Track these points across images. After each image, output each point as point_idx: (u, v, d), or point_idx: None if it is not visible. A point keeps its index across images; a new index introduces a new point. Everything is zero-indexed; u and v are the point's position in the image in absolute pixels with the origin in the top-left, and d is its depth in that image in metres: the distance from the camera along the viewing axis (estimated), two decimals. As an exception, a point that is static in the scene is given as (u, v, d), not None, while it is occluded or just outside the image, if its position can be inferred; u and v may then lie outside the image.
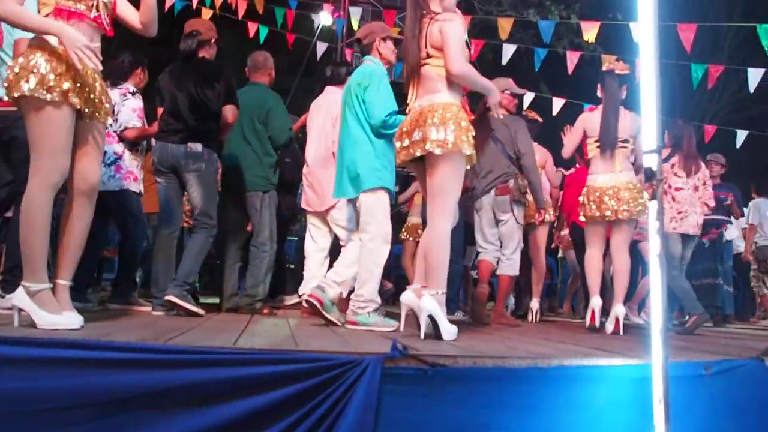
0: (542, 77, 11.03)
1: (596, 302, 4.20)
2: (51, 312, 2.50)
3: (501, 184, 4.68)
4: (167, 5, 8.37)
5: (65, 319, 2.51)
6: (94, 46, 2.60)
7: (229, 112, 4.01)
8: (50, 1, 2.60)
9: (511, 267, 4.72)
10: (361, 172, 3.57)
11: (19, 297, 2.51)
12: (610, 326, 4.07)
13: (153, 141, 4.23)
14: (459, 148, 2.88)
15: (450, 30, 2.94)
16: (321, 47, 9.72)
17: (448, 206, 2.98)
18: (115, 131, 4.43)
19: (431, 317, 2.82)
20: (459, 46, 2.94)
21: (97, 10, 2.67)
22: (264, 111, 4.50)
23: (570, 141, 4.52)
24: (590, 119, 4.41)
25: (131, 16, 2.89)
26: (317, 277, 4.53)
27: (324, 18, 10.64)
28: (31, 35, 2.62)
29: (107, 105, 2.75)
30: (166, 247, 4.08)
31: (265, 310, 4.39)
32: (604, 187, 4.23)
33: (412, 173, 5.06)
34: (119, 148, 4.47)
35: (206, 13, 8.29)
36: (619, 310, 4.08)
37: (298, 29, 9.78)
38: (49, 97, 2.48)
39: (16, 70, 2.51)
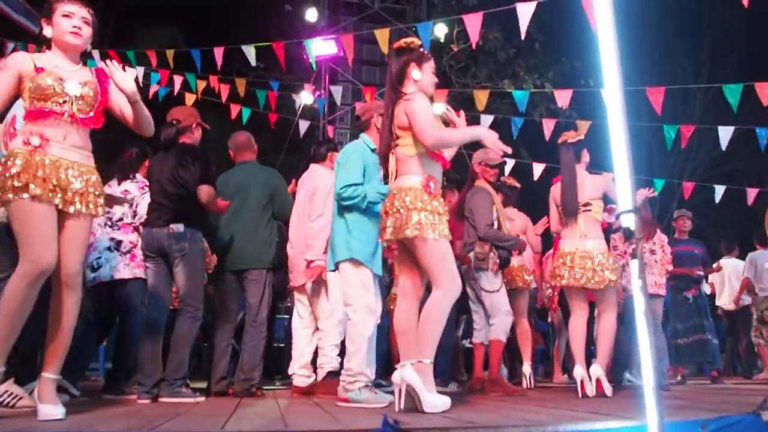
0: (521, 143, 11.28)
1: (579, 372, 4.13)
2: None
3: (466, 253, 4.72)
4: (151, 92, 8.58)
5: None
6: (68, 144, 2.68)
7: (203, 192, 4.00)
8: (26, 106, 2.70)
9: (494, 332, 4.63)
10: (335, 245, 3.66)
11: None
12: (591, 389, 4.04)
13: (141, 228, 4.23)
14: (410, 235, 2.92)
15: (413, 108, 3.01)
16: (303, 125, 9.93)
17: (441, 280, 2.97)
18: (131, 223, 4.50)
19: (411, 388, 2.78)
20: (426, 119, 3.00)
21: (70, 106, 2.71)
22: (271, 188, 4.55)
23: (551, 217, 4.64)
24: (556, 190, 4.56)
25: (127, 112, 2.95)
26: (306, 355, 4.46)
27: (305, 97, 10.91)
28: None
29: (94, 197, 2.76)
30: (153, 334, 4.00)
31: (259, 392, 4.30)
32: (566, 252, 4.29)
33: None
34: (134, 237, 4.49)
35: (190, 98, 8.50)
36: (594, 370, 4.07)
37: (280, 108, 10.02)
38: (9, 196, 2.55)
39: None
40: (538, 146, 10.11)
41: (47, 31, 2.79)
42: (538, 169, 8.65)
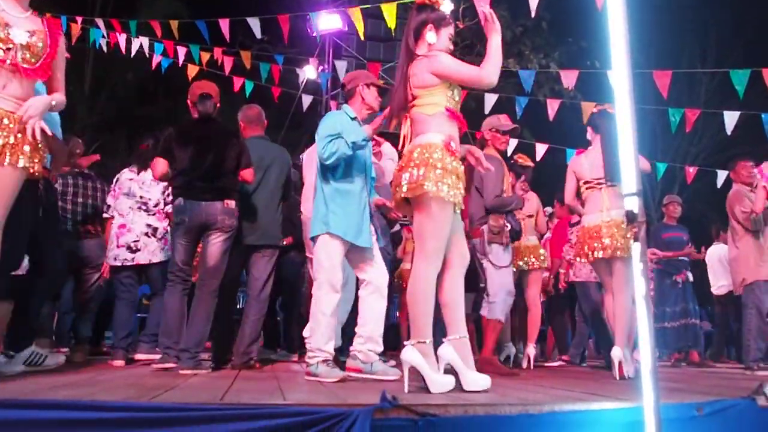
0: (525, 124, 11.23)
1: (616, 353, 4.06)
2: None
3: (478, 226, 4.59)
4: (154, 63, 8.52)
5: None
6: (7, 93, 2.57)
7: (249, 174, 4.15)
8: None
9: (491, 310, 4.52)
10: (312, 220, 3.64)
11: None
12: (615, 372, 4.04)
13: (180, 200, 4.07)
14: (428, 190, 2.78)
15: (445, 64, 2.92)
16: (306, 100, 9.88)
17: (426, 250, 2.86)
18: (163, 209, 4.89)
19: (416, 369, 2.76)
20: (466, 67, 2.93)
21: (15, 54, 2.59)
22: (288, 167, 4.58)
23: (567, 188, 4.60)
24: (578, 163, 4.49)
25: (54, 84, 2.79)
26: None
27: (309, 72, 10.83)
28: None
29: (31, 151, 2.62)
30: (181, 303, 4.06)
31: (257, 366, 4.34)
32: (591, 227, 4.29)
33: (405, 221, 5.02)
34: (166, 223, 4.88)
35: (193, 70, 8.44)
36: (614, 353, 4.05)
37: (283, 82, 9.96)
38: None
39: None
40: (541, 126, 10.07)
41: None
42: (540, 149, 8.62)
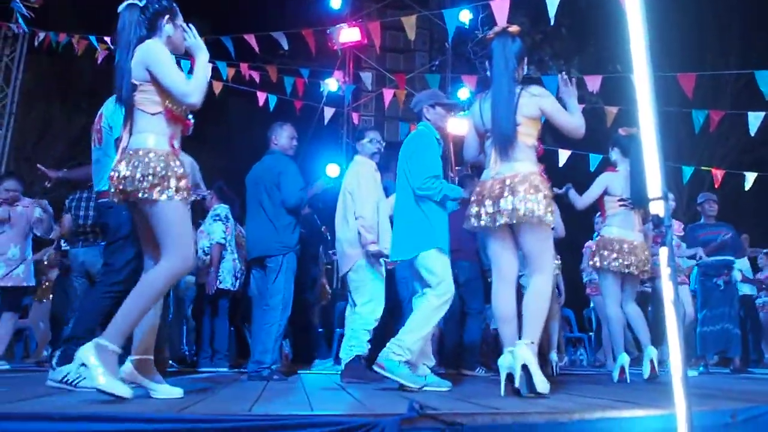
0: (547, 130, 11.18)
1: (624, 359, 4.28)
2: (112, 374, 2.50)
3: None
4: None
5: (120, 386, 2.50)
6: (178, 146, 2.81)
7: None
8: (160, 102, 2.72)
9: None
10: (415, 235, 3.59)
11: (86, 349, 2.49)
12: (646, 371, 4.23)
13: None
14: (542, 219, 3.00)
15: (555, 107, 3.18)
16: (328, 112, 9.95)
17: (542, 266, 3.11)
18: None
19: (525, 367, 2.86)
20: (566, 114, 3.19)
21: (187, 116, 2.86)
22: (276, 174, 4.53)
23: (589, 196, 4.67)
24: (613, 180, 4.60)
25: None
26: None
27: (331, 84, 10.90)
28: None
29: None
30: None
31: (275, 377, 4.23)
32: (621, 239, 4.39)
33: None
34: None
35: (217, 85, 8.55)
36: (651, 352, 4.25)
37: (305, 95, 10.04)
38: (180, 197, 2.63)
39: (151, 179, 2.58)
40: (562, 133, 10.00)
41: (169, 29, 2.85)
42: (563, 155, 8.55)
